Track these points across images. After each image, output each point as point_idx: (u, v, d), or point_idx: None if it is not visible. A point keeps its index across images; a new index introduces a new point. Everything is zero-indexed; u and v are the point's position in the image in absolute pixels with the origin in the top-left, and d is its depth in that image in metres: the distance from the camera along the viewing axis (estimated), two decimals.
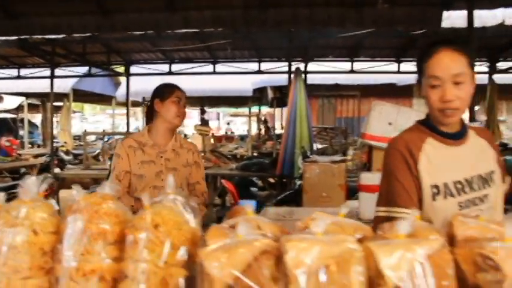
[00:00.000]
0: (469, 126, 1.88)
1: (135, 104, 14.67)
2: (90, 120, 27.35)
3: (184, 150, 2.93)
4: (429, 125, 1.82)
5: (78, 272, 0.99)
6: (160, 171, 2.80)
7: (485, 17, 6.64)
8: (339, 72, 11.32)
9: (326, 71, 11.27)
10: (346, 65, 11.15)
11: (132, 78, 11.74)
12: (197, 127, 11.80)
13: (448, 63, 1.68)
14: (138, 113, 18.56)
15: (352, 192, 4.41)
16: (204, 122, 13.83)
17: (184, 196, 1.14)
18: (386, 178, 1.82)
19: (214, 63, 11.21)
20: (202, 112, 14.92)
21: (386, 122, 4.10)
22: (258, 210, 3.76)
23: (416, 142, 1.78)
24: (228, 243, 0.89)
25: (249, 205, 1.15)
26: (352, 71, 11.09)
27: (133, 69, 11.77)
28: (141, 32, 7.85)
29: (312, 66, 11.05)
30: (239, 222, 0.97)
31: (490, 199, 1.75)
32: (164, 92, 2.87)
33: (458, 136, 1.81)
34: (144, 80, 11.68)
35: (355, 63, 11.10)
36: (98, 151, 11.58)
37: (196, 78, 11.51)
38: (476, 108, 14.02)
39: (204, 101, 14.45)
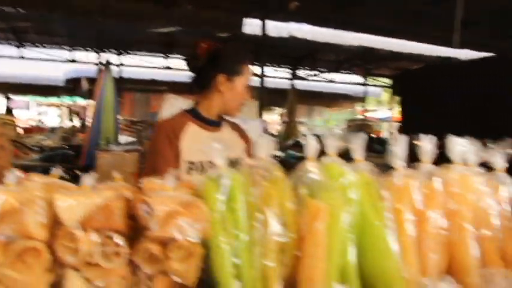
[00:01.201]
0: (225, 119, 2.24)
1: None
2: None
3: None
4: (194, 113, 2.15)
5: None
6: None
7: (281, 28, 7.40)
8: (156, 68, 11.46)
9: (143, 66, 11.32)
10: (163, 61, 11.36)
11: None
12: (0, 116, 10.89)
13: None
14: None
15: None
16: (9, 111, 12.78)
17: None
18: (152, 155, 2.08)
19: (20, 47, 10.43)
20: (7, 100, 13.75)
21: None
22: None
23: (180, 125, 2.08)
24: None
25: None
26: (168, 68, 11.33)
27: None
28: None
29: (130, 60, 11.03)
30: None
31: None
32: None
33: (216, 124, 2.17)
34: None
35: (172, 60, 11.35)
36: None
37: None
38: (284, 110, 15.47)
39: (10, 88, 13.33)
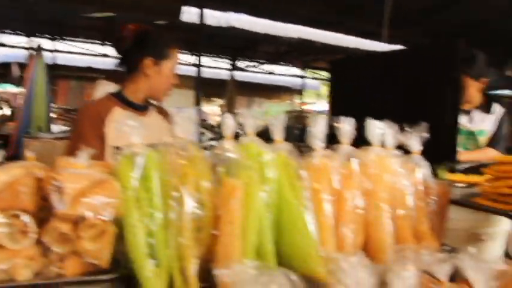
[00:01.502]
0: (152, 103, 2.21)
1: None
2: None
3: None
4: (120, 97, 2.10)
5: None
6: None
7: (220, 17, 7.34)
8: (92, 55, 11.10)
9: (78, 52, 10.94)
10: (100, 48, 11.00)
11: None
12: None
13: None
14: None
15: None
16: None
17: None
18: (75, 139, 2.01)
19: None
20: None
21: None
22: None
23: (106, 109, 2.03)
24: None
25: None
26: (104, 55, 10.99)
27: None
28: None
29: (65, 46, 10.64)
30: None
31: None
32: None
33: (143, 108, 2.14)
34: None
35: (110, 47, 11.01)
36: None
37: None
38: (223, 101, 15.44)
39: None
